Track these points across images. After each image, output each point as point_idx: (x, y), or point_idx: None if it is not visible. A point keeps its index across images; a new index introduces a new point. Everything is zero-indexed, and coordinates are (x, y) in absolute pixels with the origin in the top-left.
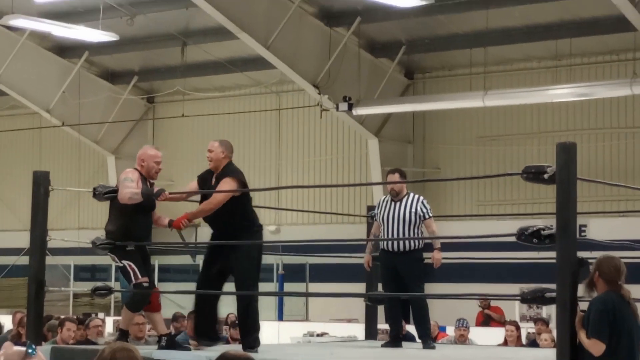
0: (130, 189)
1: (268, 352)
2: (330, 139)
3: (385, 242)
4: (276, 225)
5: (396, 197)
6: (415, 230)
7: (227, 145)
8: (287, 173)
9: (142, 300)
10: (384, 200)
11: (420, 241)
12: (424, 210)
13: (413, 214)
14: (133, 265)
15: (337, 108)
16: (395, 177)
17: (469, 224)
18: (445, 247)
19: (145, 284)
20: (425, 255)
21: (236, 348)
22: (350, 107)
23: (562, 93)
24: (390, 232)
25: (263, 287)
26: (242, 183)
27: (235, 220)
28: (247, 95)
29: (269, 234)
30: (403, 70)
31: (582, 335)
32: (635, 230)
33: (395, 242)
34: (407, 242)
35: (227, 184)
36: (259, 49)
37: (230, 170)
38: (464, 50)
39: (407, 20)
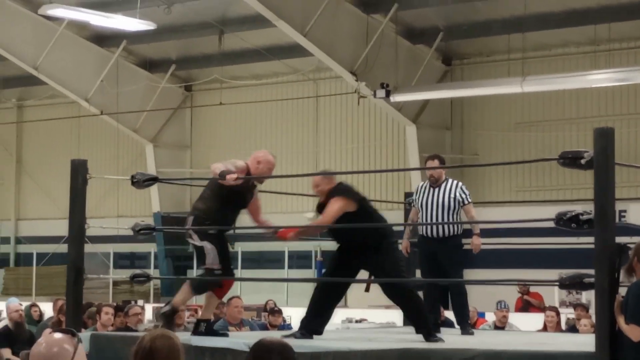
0: (224, 167)
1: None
2: (368, 126)
3: (424, 228)
4: (315, 212)
5: (435, 183)
6: (455, 216)
7: (328, 177)
8: (325, 161)
9: (209, 284)
10: (422, 187)
11: (460, 227)
12: (463, 195)
13: (452, 200)
14: (211, 249)
15: (374, 95)
16: (435, 163)
17: (507, 209)
18: (484, 233)
19: (218, 272)
20: (464, 241)
21: (275, 334)
22: (388, 93)
23: (600, 78)
24: (430, 218)
25: (301, 273)
26: (355, 199)
27: (357, 239)
28: (284, 83)
29: (307, 221)
30: (441, 57)
31: (620, 321)
32: None
33: (435, 228)
34: (446, 227)
35: (336, 202)
36: (296, 37)
37: (337, 189)
38: (501, 36)
39: (445, 6)
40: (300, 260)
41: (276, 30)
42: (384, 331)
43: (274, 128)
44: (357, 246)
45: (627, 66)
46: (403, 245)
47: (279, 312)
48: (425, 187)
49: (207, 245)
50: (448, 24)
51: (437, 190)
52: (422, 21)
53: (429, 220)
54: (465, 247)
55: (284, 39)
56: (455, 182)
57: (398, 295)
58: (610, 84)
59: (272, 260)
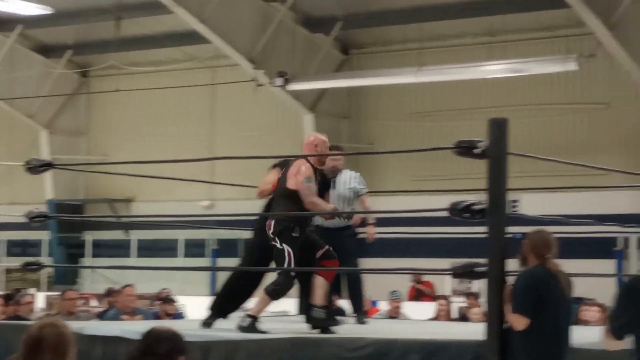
0: (313, 195)
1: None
2: (265, 115)
3: (320, 218)
4: (210, 200)
5: (334, 174)
6: (351, 206)
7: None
8: (221, 148)
9: (286, 289)
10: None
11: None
12: (360, 186)
13: (350, 190)
14: (292, 254)
15: (272, 83)
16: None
17: (402, 199)
18: (379, 222)
19: (292, 275)
20: (359, 230)
21: (168, 323)
22: (286, 82)
23: (495, 69)
24: None
25: (196, 262)
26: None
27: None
28: (182, 70)
29: (202, 209)
30: (338, 46)
31: (507, 310)
32: (566, 206)
33: (333, 218)
34: (344, 217)
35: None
36: (193, 23)
37: None
38: (398, 26)
39: None
40: (195, 248)
41: (174, 16)
42: (278, 320)
43: (171, 115)
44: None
45: (522, 57)
46: None
47: (173, 300)
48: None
49: (288, 249)
50: (346, 13)
51: (334, 181)
52: (321, 10)
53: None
54: (361, 236)
55: (182, 26)
56: (351, 172)
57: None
58: (505, 74)
59: (166, 249)
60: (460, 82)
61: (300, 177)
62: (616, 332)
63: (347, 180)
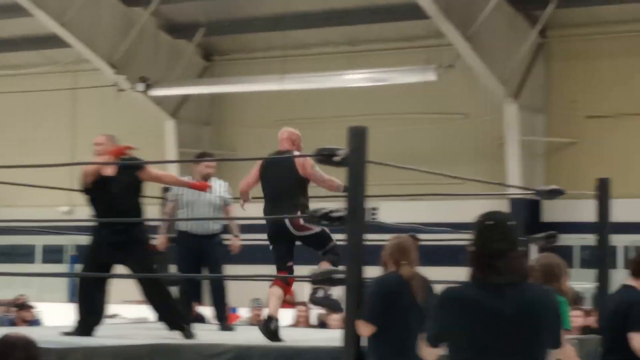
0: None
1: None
2: (127, 120)
3: (189, 225)
4: (69, 206)
5: (204, 181)
6: (219, 215)
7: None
8: (82, 154)
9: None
10: None
11: (222, 224)
12: (228, 195)
13: (220, 199)
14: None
15: (133, 88)
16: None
17: (261, 206)
18: (241, 229)
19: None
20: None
21: (24, 330)
22: (148, 87)
23: (356, 78)
24: (196, 215)
25: (54, 268)
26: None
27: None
28: (42, 74)
29: (61, 215)
30: (201, 52)
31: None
32: (424, 214)
33: (201, 226)
34: (213, 225)
35: None
36: (54, 27)
37: None
38: (262, 33)
39: (206, 1)
40: (53, 254)
41: (34, 19)
42: (136, 327)
43: (30, 119)
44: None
45: (383, 67)
46: (160, 240)
47: (30, 307)
48: None
49: (323, 228)
50: (209, 20)
51: None
52: (183, 16)
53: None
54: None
55: (42, 29)
56: (220, 181)
57: (154, 292)
58: (367, 84)
59: (23, 255)
60: (322, 90)
61: (308, 164)
62: (431, 340)
63: (217, 188)
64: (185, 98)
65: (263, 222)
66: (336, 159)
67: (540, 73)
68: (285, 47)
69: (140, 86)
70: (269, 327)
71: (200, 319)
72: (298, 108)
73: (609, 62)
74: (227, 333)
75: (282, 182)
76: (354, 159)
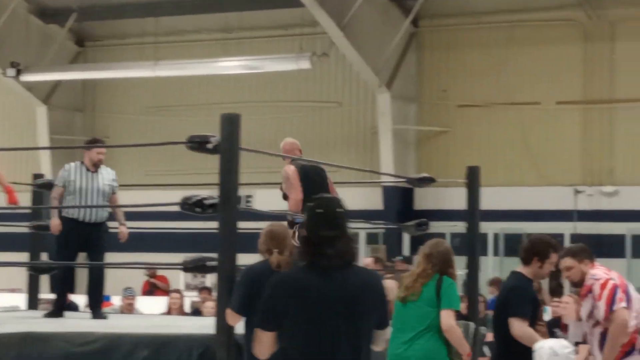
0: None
1: None
2: None
3: (78, 212)
4: None
5: (95, 168)
6: (107, 202)
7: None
8: None
9: None
10: (76, 169)
11: (109, 212)
12: (115, 183)
13: (109, 186)
14: None
15: (4, 74)
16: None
17: (136, 193)
18: (113, 217)
19: None
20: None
21: None
22: (18, 73)
23: (230, 65)
24: (87, 202)
25: None
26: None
27: None
28: None
29: None
30: (74, 38)
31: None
32: None
33: (91, 213)
34: (102, 213)
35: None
36: None
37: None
38: (135, 19)
39: None
40: None
41: None
42: (7, 315)
43: None
44: None
45: (257, 55)
46: (54, 223)
47: None
48: (81, 170)
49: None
50: (81, 5)
51: (96, 175)
52: (55, 1)
53: (86, 204)
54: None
55: None
56: (109, 168)
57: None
58: (240, 71)
59: None
60: (196, 77)
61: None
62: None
63: (106, 176)
64: (57, 84)
65: (135, 209)
66: (209, 146)
67: (412, 62)
68: (158, 33)
69: (11, 71)
70: None
71: (73, 307)
72: (171, 95)
73: (479, 52)
74: (99, 321)
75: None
76: (227, 146)
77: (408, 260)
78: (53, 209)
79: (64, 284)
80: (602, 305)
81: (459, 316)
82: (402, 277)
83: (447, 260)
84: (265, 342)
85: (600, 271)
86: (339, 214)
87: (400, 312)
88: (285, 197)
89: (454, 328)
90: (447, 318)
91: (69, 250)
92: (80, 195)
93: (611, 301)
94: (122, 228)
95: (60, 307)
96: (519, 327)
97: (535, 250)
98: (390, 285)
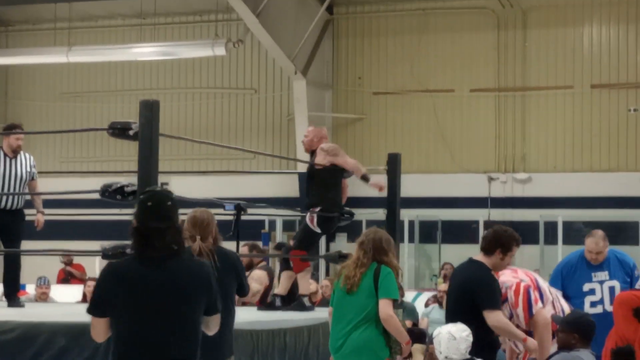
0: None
1: None
2: None
3: None
4: None
5: (14, 154)
6: (25, 188)
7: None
8: None
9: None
10: None
11: (26, 199)
12: (34, 170)
13: (28, 173)
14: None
15: None
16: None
17: (52, 180)
18: (28, 205)
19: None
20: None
21: None
22: None
23: (146, 52)
24: (5, 189)
25: None
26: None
27: None
28: None
29: None
30: None
31: None
32: (216, 188)
33: (8, 200)
34: (19, 200)
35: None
36: None
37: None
38: (48, 4)
39: None
40: None
41: None
42: None
43: None
44: None
45: (172, 41)
46: None
47: None
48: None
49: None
50: None
51: (14, 161)
52: None
53: (4, 191)
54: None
55: None
56: (27, 154)
57: None
58: (156, 57)
59: None
60: (111, 63)
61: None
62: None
63: (25, 162)
64: None
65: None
66: (130, 132)
67: (327, 49)
68: (72, 18)
69: None
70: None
71: None
72: (86, 81)
73: (394, 40)
74: (15, 309)
75: None
76: (146, 132)
77: (279, 247)
78: None
79: None
80: (520, 312)
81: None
82: (343, 267)
83: (381, 248)
84: (97, 327)
85: (508, 276)
86: (168, 207)
87: (341, 303)
88: (307, 176)
89: (392, 318)
90: (384, 307)
91: None
92: None
93: (528, 306)
94: (39, 215)
95: None
96: (497, 319)
97: (500, 242)
98: (259, 275)
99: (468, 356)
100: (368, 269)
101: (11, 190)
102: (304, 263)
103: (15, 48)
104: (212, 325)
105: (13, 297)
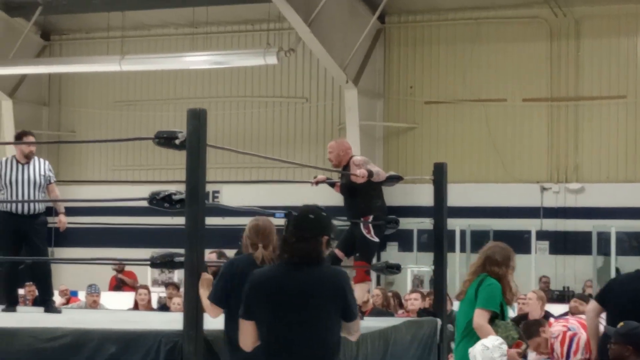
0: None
1: None
2: None
3: (12, 205)
4: None
5: (26, 160)
6: (42, 194)
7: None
8: None
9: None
10: (7, 163)
11: (45, 205)
12: (51, 174)
13: (42, 177)
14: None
15: None
16: (31, 139)
17: (103, 188)
18: (79, 212)
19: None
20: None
21: None
22: None
23: (197, 60)
24: (20, 195)
25: None
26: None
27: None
28: None
29: None
30: (40, 31)
31: (203, 297)
32: (264, 197)
33: (24, 206)
34: (37, 205)
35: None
36: None
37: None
38: (101, 13)
39: None
40: None
41: None
42: None
43: None
44: None
45: (224, 50)
46: None
47: None
48: (12, 163)
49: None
50: None
51: (27, 167)
52: None
53: (18, 198)
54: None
55: None
56: (41, 159)
57: None
58: (207, 66)
59: None
60: (163, 72)
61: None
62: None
63: (39, 167)
64: (22, 78)
65: (103, 204)
66: (177, 141)
67: (379, 59)
68: (125, 27)
69: None
70: None
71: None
72: (138, 89)
73: (445, 49)
74: (58, 316)
75: None
76: (193, 141)
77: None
78: None
79: (9, 279)
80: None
81: (428, 312)
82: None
83: (493, 260)
84: (244, 331)
85: (558, 326)
86: (311, 220)
87: (458, 312)
88: (348, 191)
89: (482, 328)
90: (477, 317)
91: (8, 243)
92: (11, 188)
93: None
94: (61, 217)
95: (12, 301)
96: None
97: None
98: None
99: None
100: (476, 278)
101: (26, 196)
102: (367, 276)
103: (69, 57)
104: (353, 330)
105: (49, 302)
